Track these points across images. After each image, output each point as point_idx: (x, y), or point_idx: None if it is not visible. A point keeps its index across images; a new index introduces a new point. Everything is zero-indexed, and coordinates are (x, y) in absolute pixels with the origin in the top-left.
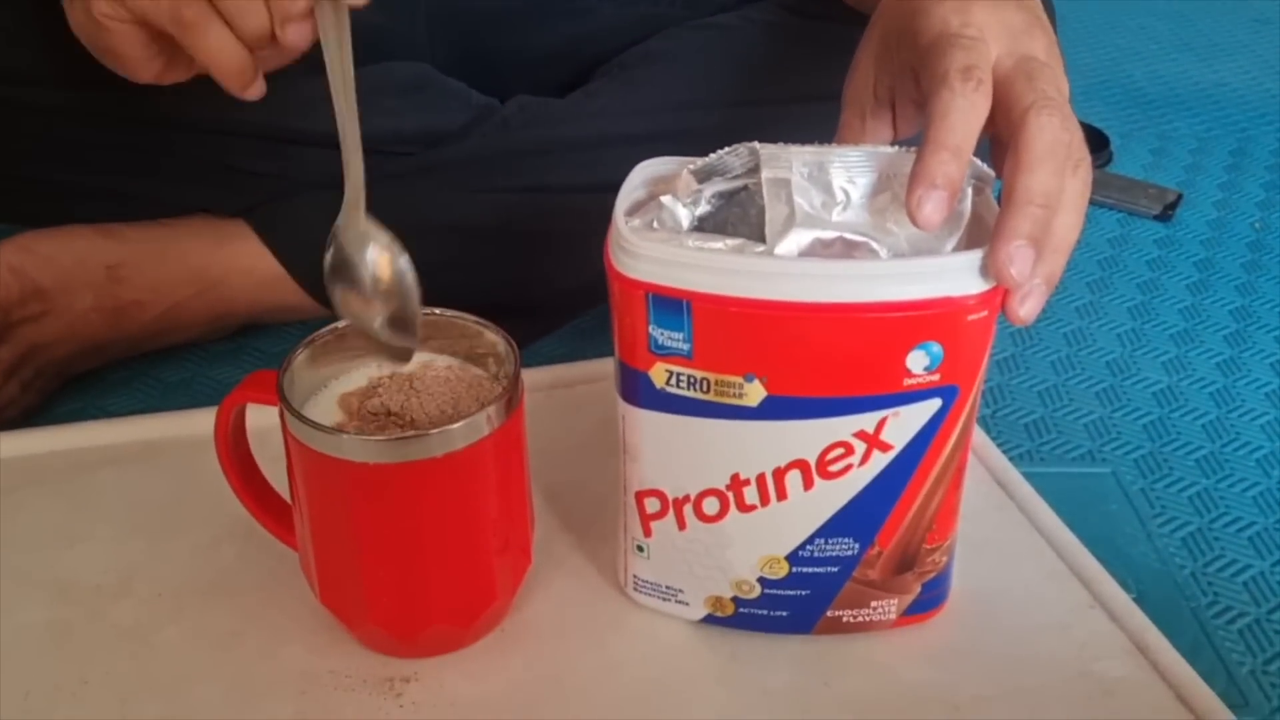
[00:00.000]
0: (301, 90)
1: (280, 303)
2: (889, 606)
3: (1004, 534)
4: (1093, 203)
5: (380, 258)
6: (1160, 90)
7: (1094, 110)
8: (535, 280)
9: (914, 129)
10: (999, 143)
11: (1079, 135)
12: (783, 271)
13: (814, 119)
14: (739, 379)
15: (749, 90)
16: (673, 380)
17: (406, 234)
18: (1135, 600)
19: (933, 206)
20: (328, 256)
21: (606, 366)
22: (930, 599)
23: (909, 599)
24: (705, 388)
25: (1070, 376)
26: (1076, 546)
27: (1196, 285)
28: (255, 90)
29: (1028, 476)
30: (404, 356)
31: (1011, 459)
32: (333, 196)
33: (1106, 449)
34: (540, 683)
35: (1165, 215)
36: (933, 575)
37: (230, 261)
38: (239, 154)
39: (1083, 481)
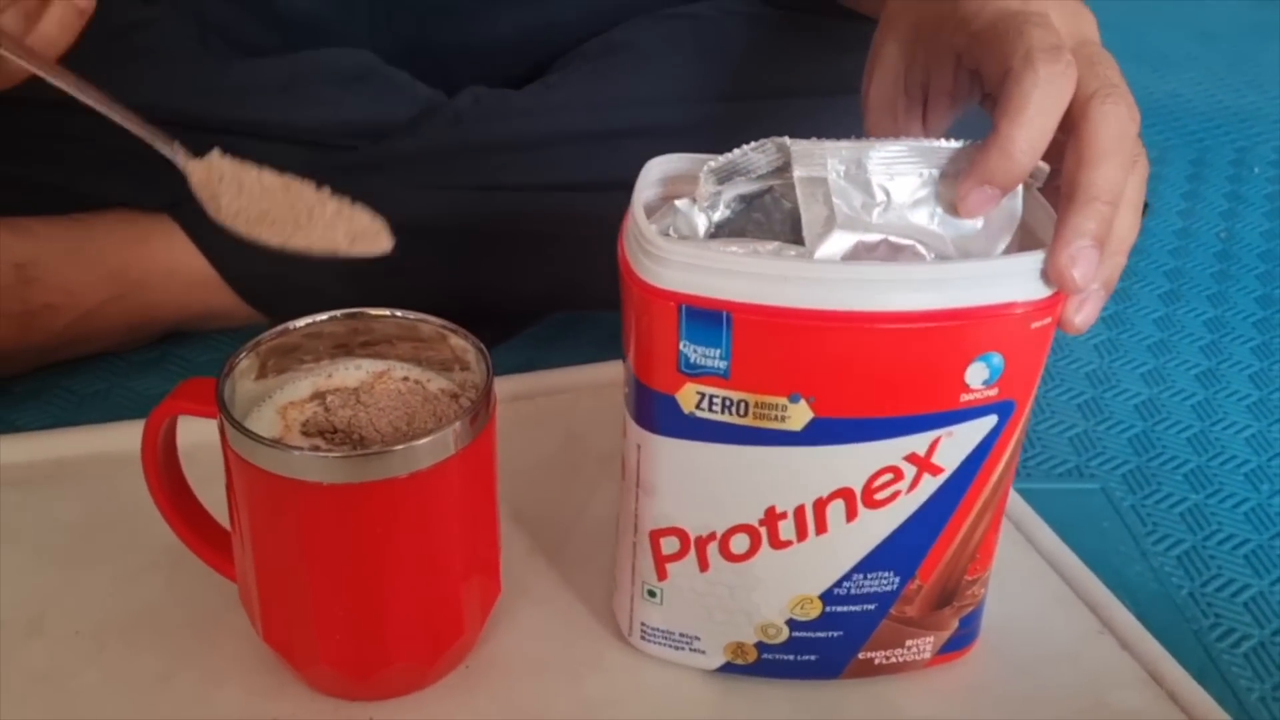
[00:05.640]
0: (232, 75)
1: (209, 308)
2: (924, 645)
3: (1002, 557)
4: None
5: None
6: None
7: None
8: (491, 285)
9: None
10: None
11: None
12: (838, 277)
13: (795, 116)
14: (783, 400)
15: (723, 85)
16: (704, 404)
17: None
18: None
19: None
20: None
21: (568, 377)
22: (965, 635)
23: (945, 636)
24: (743, 411)
25: (1051, 388)
26: (1080, 568)
27: (1169, 295)
28: None
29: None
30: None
31: None
32: None
33: (1093, 464)
34: None
35: None
36: (971, 609)
37: (153, 261)
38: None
39: (1073, 498)
